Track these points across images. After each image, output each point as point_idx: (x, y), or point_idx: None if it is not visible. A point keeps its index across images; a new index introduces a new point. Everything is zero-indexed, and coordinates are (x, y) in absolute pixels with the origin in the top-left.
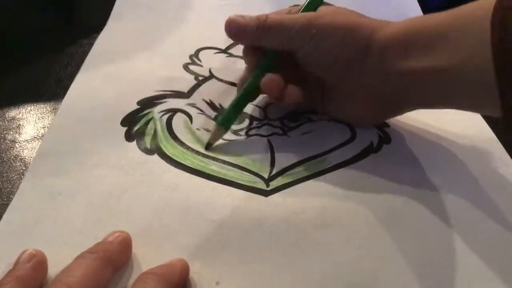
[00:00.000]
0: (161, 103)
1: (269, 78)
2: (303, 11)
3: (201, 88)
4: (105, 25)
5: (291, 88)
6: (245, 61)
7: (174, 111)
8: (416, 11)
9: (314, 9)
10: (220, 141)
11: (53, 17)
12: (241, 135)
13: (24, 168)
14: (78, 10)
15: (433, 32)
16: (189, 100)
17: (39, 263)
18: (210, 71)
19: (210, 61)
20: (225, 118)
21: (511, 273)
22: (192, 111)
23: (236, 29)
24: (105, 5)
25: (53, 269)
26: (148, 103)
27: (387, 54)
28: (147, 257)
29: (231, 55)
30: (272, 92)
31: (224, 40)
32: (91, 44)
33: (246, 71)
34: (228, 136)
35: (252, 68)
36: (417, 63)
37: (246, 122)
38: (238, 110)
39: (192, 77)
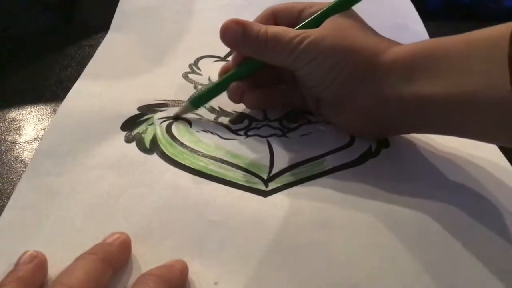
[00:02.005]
0: (161, 110)
1: (230, 88)
2: (311, 21)
3: None
4: (105, 26)
5: (247, 95)
6: (235, 55)
7: (174, 118)
8: (414, 17)
9: (327, 16)
10: (220, 141)
11: (53, 18)
12: (240, 135)
13: (24, 169)
14: (78, 11)
15: (442, 56)
16: None
17: (40, 264)
18: (209, 79)
19: (210, 70)
20: (196, 97)
21: (509, 274)
22: (192, 116)
23: (233, 40)
24: (105, 6)
25: (52, 269)
26: (148, 109)
27: (389, 79)
28: (146, 258)
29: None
30: (233, 101)
31: (224, 47)
32: (91, 46)
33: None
34: (228, 135)
35: (235, 64)
36: (423, 88)
37: (246, 123)
38: (211, 95)
39: (192, 86)
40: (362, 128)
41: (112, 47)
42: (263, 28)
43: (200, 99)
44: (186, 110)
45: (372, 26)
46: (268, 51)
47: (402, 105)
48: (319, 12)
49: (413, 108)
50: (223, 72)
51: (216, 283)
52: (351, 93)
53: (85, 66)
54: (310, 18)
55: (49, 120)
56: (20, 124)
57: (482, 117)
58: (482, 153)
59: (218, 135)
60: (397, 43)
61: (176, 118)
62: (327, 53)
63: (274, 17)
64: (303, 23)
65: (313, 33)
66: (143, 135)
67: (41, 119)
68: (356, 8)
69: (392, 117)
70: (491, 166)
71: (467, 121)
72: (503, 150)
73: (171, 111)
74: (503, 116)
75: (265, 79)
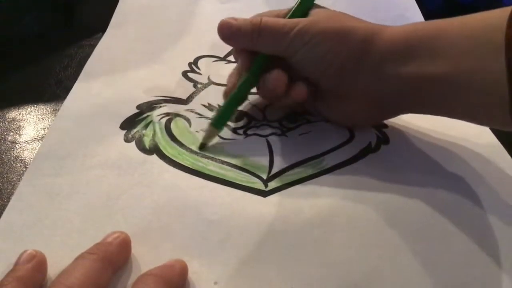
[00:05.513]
0: (160, 107)
1: (276, 74)
2: (292, 15)
3: (200, 95)
4: (105, 27)
5: (298, 86)
6: (236, 62)
7: (172, 115)
8: (415, 12)
9: (304, 13)
10: (219, 141)
11: (53, 18)
12: (240, 134)
13: (24, 169)
14: (79, 11)
15: (439, 37)
16: (188, 106)
17: (39, 263)
18: (209, 78)
19: (209, 69)
20: (217, 118)
21: (511, 271)
22: (191, 115)
23: (229, 32)
24: (106, 6)
25: (52, 269)
26: (147, 107)
27: (386, 59)
28: (146, 257)
29: (229, 62)
30: (276, 92)
31: (223, 47)
32: (92, 46)
33: (236, 72)
34: (227, 135)
35: (244, 69)
36: (419, 69)
37: (245, 121)
38: (231, 110)
39: (191, 84)
40: (362, 113)
41: (111, 44)
42: (256, 17)
43: (221, 119)
44: (211, 135)
45: (371, 18)
46: (262, 39)
47: (400, 84)
48: (297, 3)
49: (411, 88)
50: (232, 85)
51: (215, 283)
52: (351, 75)
53: None
54: (296, 7)
55: (49, 120)
56: (20, 124)
57: (476, 98)
58: (481, 146)
59: (218, 136)
60: (388, 26)
61: (201, 146)
62: (321, 35)
63: None
64: (291, 12)
65: (305, 19)
66: (142, 135)
67: (41, 119)
68: (355, 0)
69: (391, 97)
70: (490, 157)
71: (460, 102)
72: (502, 140)
73: (170, 107)
74: (496, 98)
75: None
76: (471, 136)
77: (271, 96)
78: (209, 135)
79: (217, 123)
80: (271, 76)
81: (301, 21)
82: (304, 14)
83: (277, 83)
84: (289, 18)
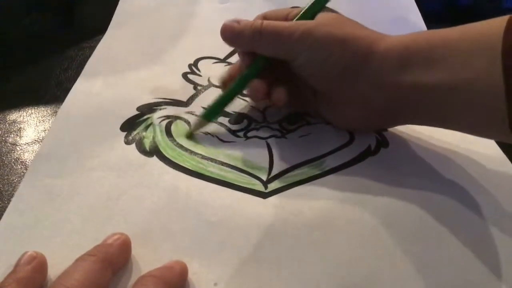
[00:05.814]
0: (160, 109)
1: (253, 86)
2: (301, 17)
3: (200, 97)
4: (105, 28)
5: (276, 92)
6: (241, 61)
7: (173, 117)
8: (415, 13)
9: (313, 16)
10: (219, 142)
11: (53, 20)
12: (240, 137)
13: (25, 171)
14: (79, 13)
15: (437, 47)
16: (188, 108)
17: (39, 265)
18: (209, 80)
19: (209, 71)
20: (208, 111)
21: (510, 272)
22: (191, 118)
23: (231, 35)
24: (106, 8)
25: (52, 270)
26: (147, 109)
27: (385, 67)
28: (146, 259)
29: (229, 64)
30: (256, 99)
31: (223, 49)
32: (92, 48)
33: (237, 67)
34: (228, 137)
35: (246, 67)
36: (418, 78)
37: (245, 123)
38: (222, 105)
39: (191, 86)
40: (361, 119)
41: (111, 44)
42: (258, 20)
43: (212, 112)
44: (199, 126)
45: (371, 19)
46: (262, 42)
47: (399, 93)
48: (310, 3)
49: (410, 97)
50: (228, 78)
51: (215, 284)
52: (350, 82)
53: None
54: (302, 13)
55: (50, 121)
56: (21, 126)
57: (475, 106)
58: (481, 152)
59: (218, 138)
60: (389, 35)
61: (188, 135)
62: (323, 40)
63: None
64: (298, 15)
65: (307, 23)
66: (142, 137)
67: (41, 121)
68: (355, 1)
69: (390, 106)
70: (489, 162)
71: (461, 111)
72: (502, 146)
73: (170, 110)
74: (494, 107)
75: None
76: (471, 141)
77: (254, 100)
78: (197, 126)
79: (208, 116)
80: (251, 85)
81: (303, 25)
82: (314, 16)
83: (254, 93)
84: (299, 18)
